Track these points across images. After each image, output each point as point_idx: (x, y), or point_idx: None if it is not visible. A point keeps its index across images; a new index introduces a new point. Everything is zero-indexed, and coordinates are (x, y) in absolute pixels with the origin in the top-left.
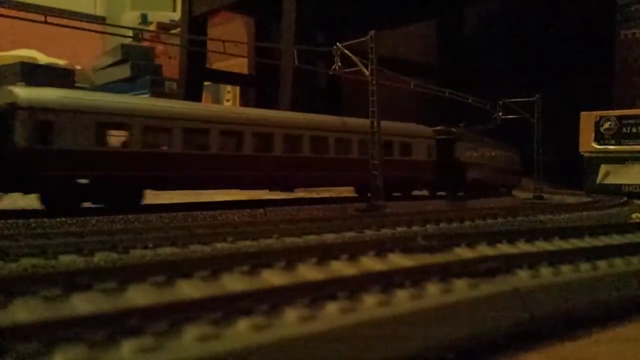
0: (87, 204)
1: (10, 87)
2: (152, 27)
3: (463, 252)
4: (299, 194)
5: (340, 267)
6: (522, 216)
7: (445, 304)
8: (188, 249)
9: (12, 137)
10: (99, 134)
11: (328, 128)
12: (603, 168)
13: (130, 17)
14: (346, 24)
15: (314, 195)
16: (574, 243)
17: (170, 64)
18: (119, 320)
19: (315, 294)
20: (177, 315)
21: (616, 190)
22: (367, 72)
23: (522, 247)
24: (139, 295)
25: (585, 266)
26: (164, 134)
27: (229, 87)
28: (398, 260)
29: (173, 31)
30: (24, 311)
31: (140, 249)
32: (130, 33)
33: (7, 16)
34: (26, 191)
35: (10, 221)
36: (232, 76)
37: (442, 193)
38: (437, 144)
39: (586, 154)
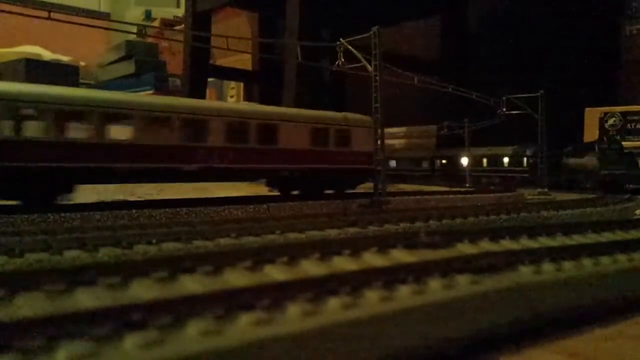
0: None
1: None
2: (156, 24)
3: (465, 248)
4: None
5: (343, 263)
6: (526, 212)
7: (447, 300)
8: (191, 244)
9: None
10: None
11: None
12: None
13: (134, 13)
14: (350, 20)
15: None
16: (577, 239)
17: (174, 60)
18: (122, 315)
19: (318, 289)
20: (180, 310)
21: None
22: (370, 68)
23: (525, 243)
24: (142, 290)
25: (588, 262)
26: None
27: (232, 84)
28: (400, 256)
29: (177, 27)
30: (28, 306)
31: (144, 244)
32: (134, 29)
33: (11, 12)
34: None
35: (14, 216)
36: (236, 72)
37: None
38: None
39: None
